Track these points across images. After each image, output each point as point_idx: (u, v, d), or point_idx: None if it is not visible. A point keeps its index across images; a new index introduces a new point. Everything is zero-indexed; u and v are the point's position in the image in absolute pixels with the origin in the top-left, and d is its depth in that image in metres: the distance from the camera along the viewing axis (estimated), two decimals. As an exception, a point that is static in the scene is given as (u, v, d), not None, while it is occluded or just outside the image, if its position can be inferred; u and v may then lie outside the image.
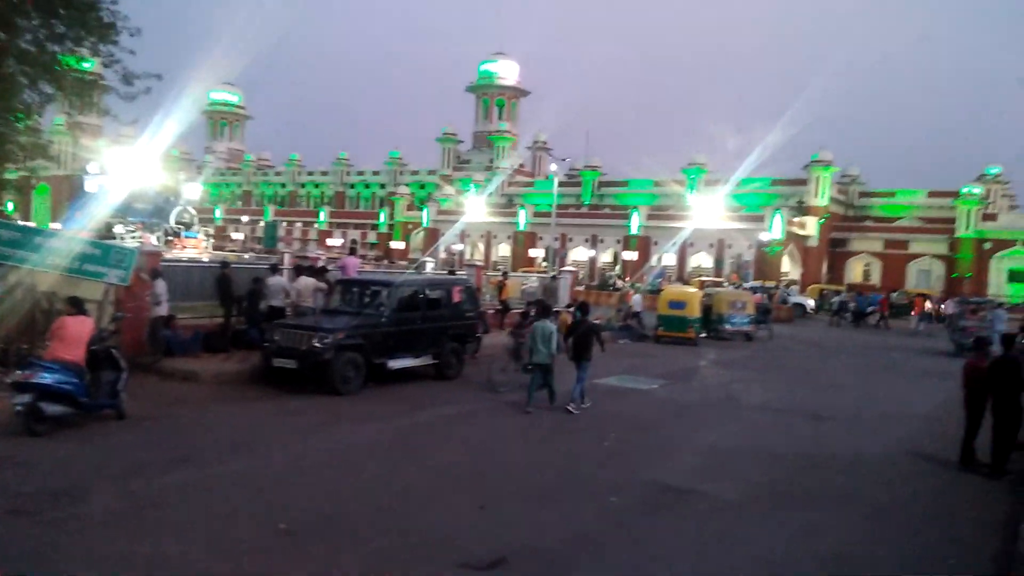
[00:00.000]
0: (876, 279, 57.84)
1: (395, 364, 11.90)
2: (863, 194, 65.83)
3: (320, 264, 17.79)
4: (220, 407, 9.77)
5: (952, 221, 56.23)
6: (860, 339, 27.03)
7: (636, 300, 24.42)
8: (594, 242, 61.42)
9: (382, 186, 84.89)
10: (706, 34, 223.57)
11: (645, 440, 9.54)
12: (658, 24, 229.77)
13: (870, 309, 34.97)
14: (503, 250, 66.38)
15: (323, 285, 13.90)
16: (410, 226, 73.63)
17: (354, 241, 69.74)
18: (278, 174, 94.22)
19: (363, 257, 52.00)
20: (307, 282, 13.87)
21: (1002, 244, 54.65)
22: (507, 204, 70.72)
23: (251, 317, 13.21)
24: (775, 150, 66.51)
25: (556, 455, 8.45)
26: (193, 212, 37.98)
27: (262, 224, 63.59)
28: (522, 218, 64.28)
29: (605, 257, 61.38)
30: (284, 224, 75.65)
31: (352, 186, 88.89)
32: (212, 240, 42.81)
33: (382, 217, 78.78)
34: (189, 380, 11.06)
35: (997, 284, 53.32)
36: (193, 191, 45.51)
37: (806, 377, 16.46)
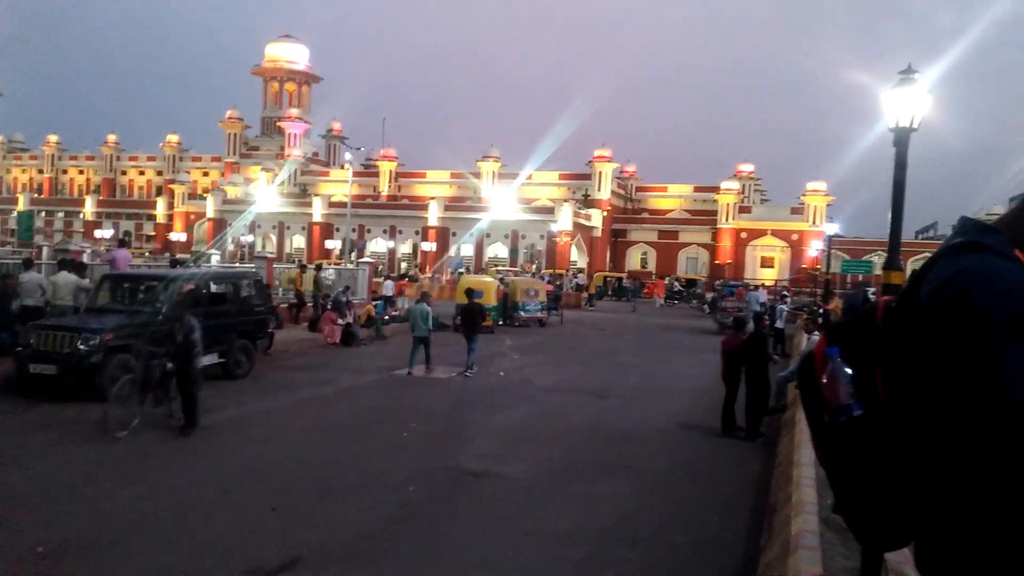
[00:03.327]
0: (652, 266, 62.89)
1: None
2: (640, 188, 71.20)
3: (83, 258, 16.05)
4: (-41, 423, 8.49)
5: (714, 213, 62.48)
6: (638, 320, 29.21)
7: (387, 286, 24.85)
8: (393, 233, 61.02)
9: (159, 173, 78.26)
10: (504, 29, 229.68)
11: (444, 427, 9.66)
12: (458, 17, 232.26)
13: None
14: (297, 241, 63.95)
15: (86, 282, 12.56)
16: (192, 216, 68.63)
17: (127, 233, 63.59)
18: (33, 158, 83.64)
19: (137, 250, 47.70)
20: (67, 278, 12.44)
21: (755, 233, 61.71)
22: (301, 194, 68.21)
23: (1, 319, 11.62)
24: (564, 145, 69.93)
25: (355, 449, 8.30)
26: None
27: (15, 214, 56.20)
28: (317, 208, 62.31)
29: (404, 248, 61.20)
30: (42, 214, 67.31)
31: (124, 172, 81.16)
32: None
33: (160, 207, 72.58)
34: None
35: (752, 269, 60.10)
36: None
37: (593, 358, 17.54)
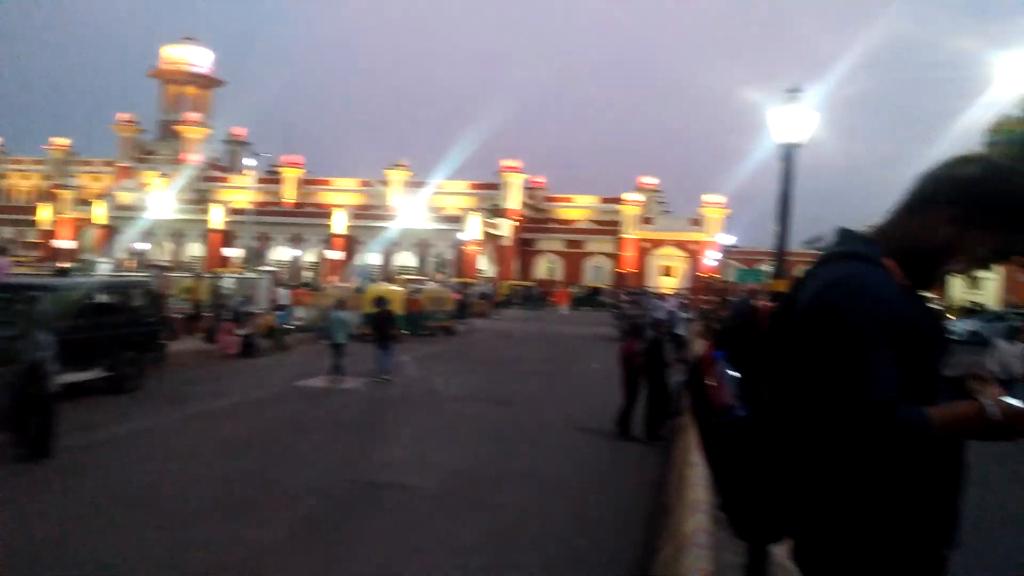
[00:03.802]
0: (559, 275, 63.87)
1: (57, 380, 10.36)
2: (547, 199, 72.24)
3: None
4: None
5: (618, 224, 64.09)
6: (544, 328, 29.58)
7: (282, 294, 24.44)
8: (297, 241, 59.54)
9: (47, 178, 73.60)
10: (413, 41, 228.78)
11: (347, 439, 9.48)
12: (370, 27, 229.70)
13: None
14: (195, 249, 61.46)
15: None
16: (81, 223, 64.95)
17: (8, 240, 59.48)
18: None
19: (20, 258, 44.81)
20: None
21: (657, 243, 63.68)
22: (199, 200, 65.60)
23: None
24: (474, 156, 70.28)
25: (252, 464, 8.03)
26: None
27: None
28: (216, 216, 60.12)
29: (310, 257, 59.84)
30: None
31: (4, 176, 76.07)
32: None
33: (44, 213, 68.24)
34: None
35: (654, 277, 61.94)
36: None
37: (498, 366, 17.64)
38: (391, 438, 9.57)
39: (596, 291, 50.02)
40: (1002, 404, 1.52)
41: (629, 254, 62.87)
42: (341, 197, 66.34)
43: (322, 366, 15.11)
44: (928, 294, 1.80)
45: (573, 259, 64.99)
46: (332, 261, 55.67)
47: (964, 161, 1.69)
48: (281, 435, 9.48)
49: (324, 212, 60.58)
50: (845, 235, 1.74)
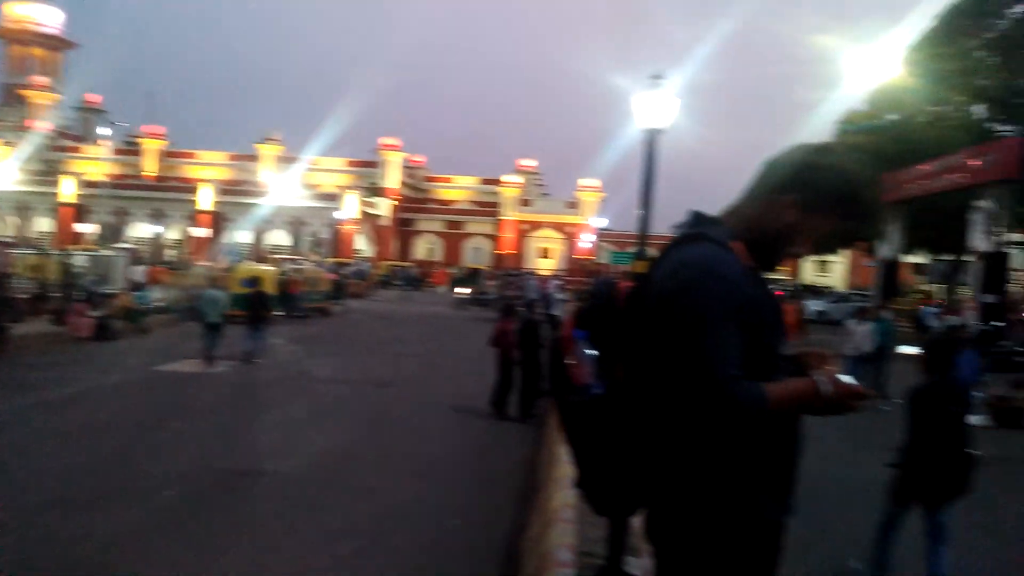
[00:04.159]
0: (439, 256, 63.65)
1: None
2: (427, 178, 71.63)
3: None
4: None
5: (498, 205, 64.52)
6: (422, 309, 29.43)
7: (138, 272, 23.35)
8: (159, 217, 56.14)
9: None
10: (289, 15, 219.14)
11: (211, 426, 9.05)
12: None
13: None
14: (44, 225, 56.72)
15: None
16: (-96, 193, 58.34)
17: None
18: None
19: None
20: None
21: (535, 225, 64.62)
22: (48, 172, 60.47)
23: None
24: (351, 133, 68.46)
25: (104, 455, 7.50)
26: None
27: None
28: (67, 188, 55.67)
29: (173, 234, 56.63)
30: None
31: None
32: None
33: None
34: None
35: (533, 259, 62.89)
36: None
37: (375, 347, 17.39)
38: (259, 423, 9.22)
39: (476, 272, 50.11)
40: (835, 381, 1.62)
41: (508, 236, 63.47)
42: (208, 172, 63.02)
43: (185, 349, 14.37)
44: (773, 275, 1.90)
45: (453, 240, 64.89)
46: (198, 239, 52.89)
47: (806, 149, 1.78)
48: (138, 423, 8.92)
49: (189, 187, 57.36)
50: (696, 218, 1.80)
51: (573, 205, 63.90)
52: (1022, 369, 16.80)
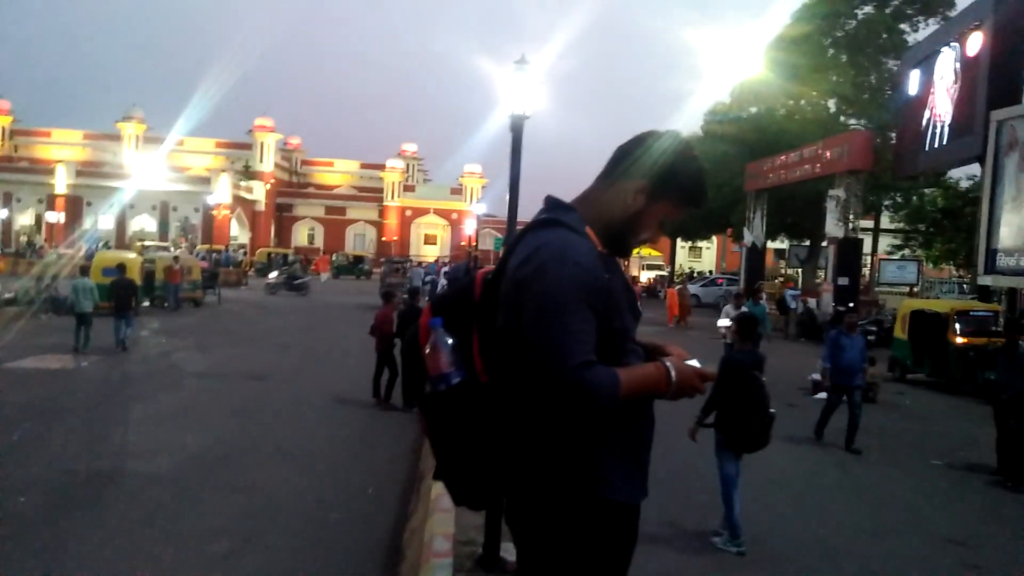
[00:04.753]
0: (320, 242, 61.98)
1: None
2: (305, 162, 69.48)
3: None
4: None
5: (381, 191, 63.49)
6: (299, 301, 28.57)
7: None
8: (8, 200, 51.62)
9: None
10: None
11: (70, 426, 8.43)
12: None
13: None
14: None
15: None
16: None
17: None
18: None
19: None
20: None
21: (419, 212, 64.09)
22: None
23: None
24: (222, 114, 65.19)
25: (-59, 462, 6.87)
26: None
27: None
28: None
29: (24, 219, 52.25)
30: None
31: None
32: None
33: None
34: None
35: (417, 246, 62.40)
36: None
37: (252, 338, 16.75)
38: (125, 421, 8.69)
39: (359, 259, 49.15)
40: (682, 365, 1.70)
41: (392, 222, 62.60)
42: (63, 151, 58.43)
43: (40, 344, 13.36)
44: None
45: (335, 226, 63.28)
46: (54, 224, 49.04)
47: (655, 137, 1.83)
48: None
49: (42, 168, 53.00)
50: (551, 203, 1.82)
51: (457, 191, 63.75)
52: (871, 347, 18.34)
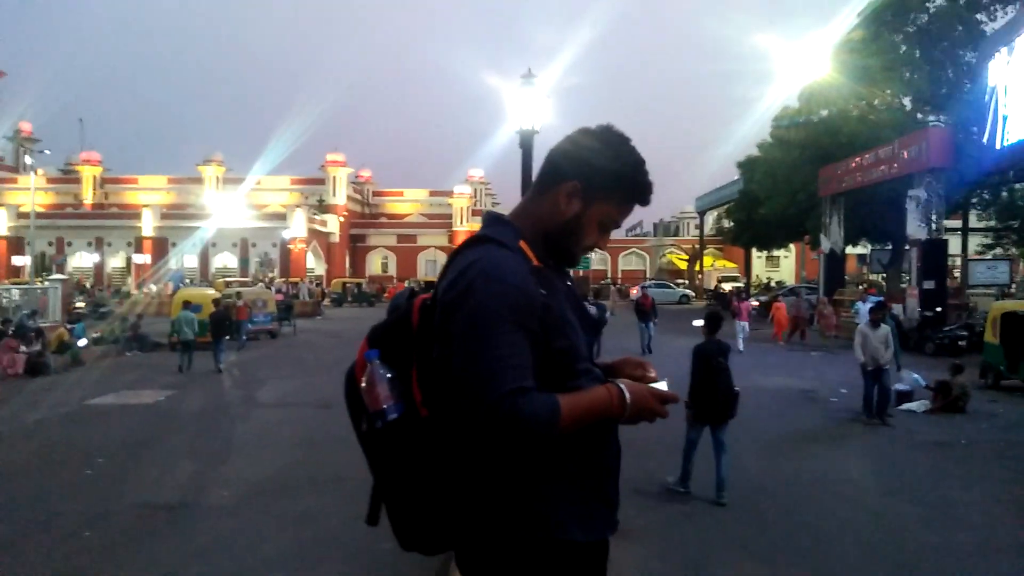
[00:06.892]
0: (392, 270, 63.19)
1: None
2: (376, 193, 71.17)
3: None
4: None
5: (450, 217, 64.36)
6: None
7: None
8: (100, 245, 54.65)
9: None
10: (224, 33, 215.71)
11: (139, 459, 8.68)
12: (173, 17, 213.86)
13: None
14: (-23, 260, 54.70)
15: None
16: None
17: None
18: None
19: None
20: None
21: (488, 235, 64.43)
22: (-22, 204, 58.46)
23: None
24: (296, 151, 67.63)
25: (19, 496, 7.14)
26: None
27: None
28: (1, 221, 53.92)
29: (115, 262, 55.19)
30: None
31: None
32: None
33: None
34: None
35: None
36: None
37: (322, 368, 17.03)
38: (192, 454, 8.89)
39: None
40: (636, 387, 1.52)
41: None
42: (149, 196, 61.59)
43: (121, 381, 13.92)
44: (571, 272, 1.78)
45: (406, 253, 64.43)
46: (141, 265, 51.59)
47: (584, 134, 1.66)
48: (59, 461, 8.51)
49: (130, 213, 55.95)
50: (489, 218, 1.67)
51: (523, 213, 63.92)
52: (962, 353, 17.26)
